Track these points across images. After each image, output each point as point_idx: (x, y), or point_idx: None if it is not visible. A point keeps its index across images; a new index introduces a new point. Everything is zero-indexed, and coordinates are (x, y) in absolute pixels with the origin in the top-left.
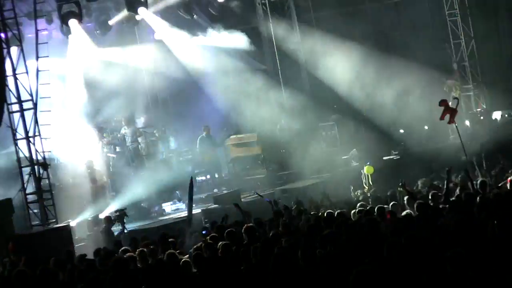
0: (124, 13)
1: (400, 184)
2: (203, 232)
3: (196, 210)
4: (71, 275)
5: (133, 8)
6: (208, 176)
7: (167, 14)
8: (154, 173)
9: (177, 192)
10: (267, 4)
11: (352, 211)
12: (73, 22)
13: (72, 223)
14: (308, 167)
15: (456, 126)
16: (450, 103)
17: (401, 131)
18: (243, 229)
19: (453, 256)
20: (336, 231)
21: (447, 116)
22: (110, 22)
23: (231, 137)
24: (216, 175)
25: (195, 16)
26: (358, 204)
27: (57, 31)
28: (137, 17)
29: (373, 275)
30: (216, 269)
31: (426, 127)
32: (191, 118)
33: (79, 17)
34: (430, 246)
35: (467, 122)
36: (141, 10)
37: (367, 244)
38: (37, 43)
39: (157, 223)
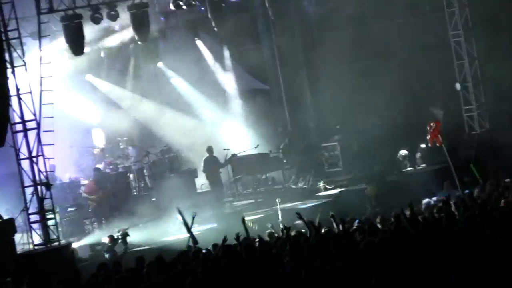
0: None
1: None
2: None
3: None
4: None
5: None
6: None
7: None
8: (157, 193)
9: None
10: (271, 23)
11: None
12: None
13: (75, 245)
14: (310, 187)
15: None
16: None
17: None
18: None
19: (458, 278)
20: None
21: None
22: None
23: (235, 157)
24: (218, 196)
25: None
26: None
27: (61, 51)
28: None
29: None
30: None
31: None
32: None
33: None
34: (435, 266)
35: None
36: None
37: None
38: (41, 63)
39: (159, 243)
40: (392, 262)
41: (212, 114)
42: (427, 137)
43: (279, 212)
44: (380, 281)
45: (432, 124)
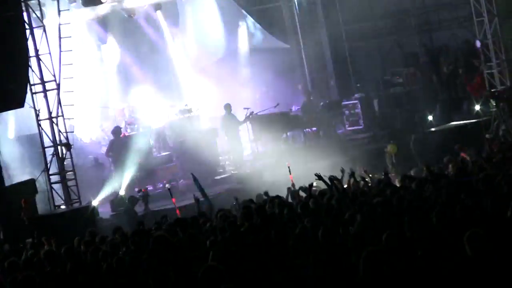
0: None
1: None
2: None
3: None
4: (95, 255)
5: None
6: (227, 157)
7: None
8: (178, 153)
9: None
10: None
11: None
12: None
13: (94, 202)
14: (330, 146)
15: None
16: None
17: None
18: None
19: (472, 237)
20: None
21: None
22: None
23: (253, 115)
24: (237, 155)
25: None
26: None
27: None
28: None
29: (383, 256)
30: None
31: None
32: (217, 97)
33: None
34: (452, 226)
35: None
36: None
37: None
38: (59, 24)
39: (179, 204)
40: (405, 220)
41: (231, 73)
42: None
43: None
44: (391, 239)
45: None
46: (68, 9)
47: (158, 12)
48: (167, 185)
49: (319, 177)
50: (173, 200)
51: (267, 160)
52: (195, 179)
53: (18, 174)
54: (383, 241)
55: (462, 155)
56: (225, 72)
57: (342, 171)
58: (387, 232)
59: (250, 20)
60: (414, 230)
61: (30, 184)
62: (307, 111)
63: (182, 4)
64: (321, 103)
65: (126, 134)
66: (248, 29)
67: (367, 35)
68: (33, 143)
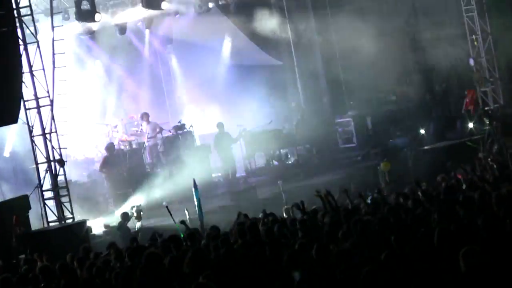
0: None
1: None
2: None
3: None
4: (89, 271)
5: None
6: (220, 174)
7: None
8: (171, 170)
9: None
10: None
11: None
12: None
13: (89, 222)
14: (324, 163)
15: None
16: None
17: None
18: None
19: (467, 253)
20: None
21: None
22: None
23: (246, 132)
24: (230, 172)
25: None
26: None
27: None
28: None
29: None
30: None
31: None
32: (210, 114)
33: (93, 15)
34: (446, 242)
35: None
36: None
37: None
38: (53, 40)
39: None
40: (402, 239)
41: (224, 90)
42: (465, 103)
43: None
44: (389, 258)
45: (471, 91)
46: (62, 25)
47: (147, 31)
48: (164, 203)
49: (318, 194)
50: (172, 218)
51: (260, 177)
52: (195, 187)
53: (11, 190)
54: (382, 259)
55: (458, 176)
56: (218, 89)
57: (328, 192)
58: (385, 252)
59: (243, 36)
60: (403, 248)
61: (23, 200)
62: (300, 128)
63: (174, 21)
64: (314, 121)
65: (120, 151)
66: (240, 45)
67: (360, 53)
68: (26, 159)
